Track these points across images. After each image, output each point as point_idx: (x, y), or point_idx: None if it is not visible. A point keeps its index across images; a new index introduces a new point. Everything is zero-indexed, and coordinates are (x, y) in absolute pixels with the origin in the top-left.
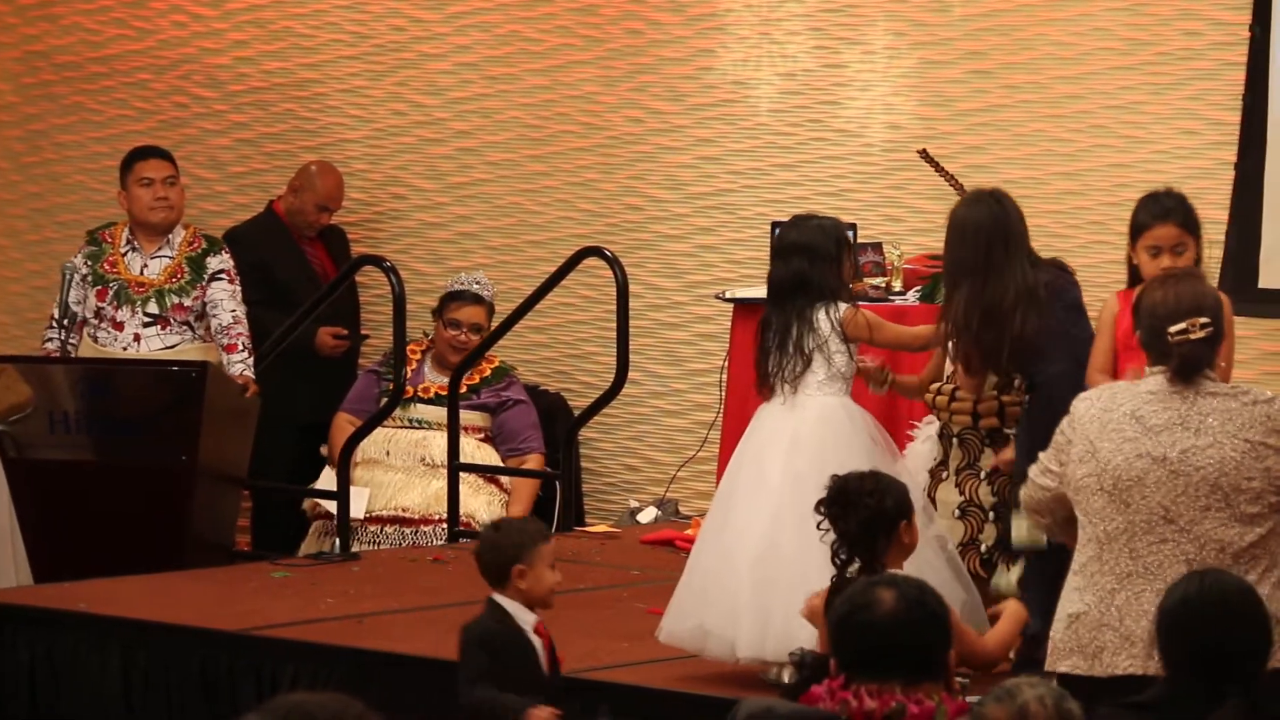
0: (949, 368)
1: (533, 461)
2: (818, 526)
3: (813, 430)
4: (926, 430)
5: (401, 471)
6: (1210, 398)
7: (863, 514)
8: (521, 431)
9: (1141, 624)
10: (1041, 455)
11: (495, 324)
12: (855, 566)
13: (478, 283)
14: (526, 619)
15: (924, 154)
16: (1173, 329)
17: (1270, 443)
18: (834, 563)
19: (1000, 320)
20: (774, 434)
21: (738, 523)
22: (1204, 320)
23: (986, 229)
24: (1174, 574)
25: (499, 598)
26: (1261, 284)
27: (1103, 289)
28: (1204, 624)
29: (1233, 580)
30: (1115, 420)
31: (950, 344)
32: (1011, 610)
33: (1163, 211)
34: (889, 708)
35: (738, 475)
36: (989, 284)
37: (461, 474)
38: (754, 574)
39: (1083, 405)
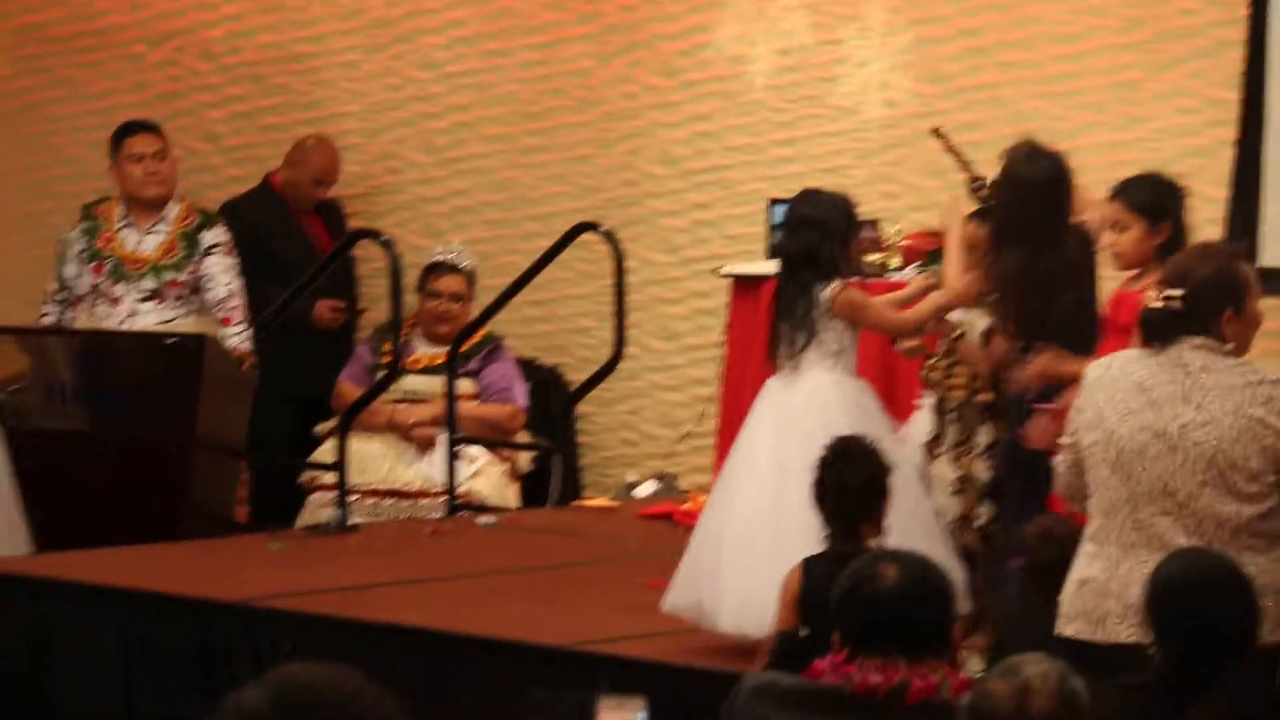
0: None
1: (513, 412)
2: (814, 484)
3: (800, 410)
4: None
5: (396, 446)
6: (1214, 373)
7: (862, 474)
8: (500, 382)
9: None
10: (1060, 441)
11: (491, 299)
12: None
13: (455, 252)
14: None
15: (936, 132)
16: (1150, 294)
17: (1270, 422)
18: (826, 528)
19: (1050, 291)
20: (768, 412)
21: (728, 499)
22: (1173, 292)
23: (1049, 190)
24: (1176, 546)
25: None
26: (1262, 262)
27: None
28: (1189, 604)
29: (1217, 558)
30: (1123, 390)
31: (987, 303)
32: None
33: (1110, 190)
34: (893, 682)
35: (735, 452)
36: (1043, 250)
37: (466, 455)
38: (736, 550)
39: (1095, 372)
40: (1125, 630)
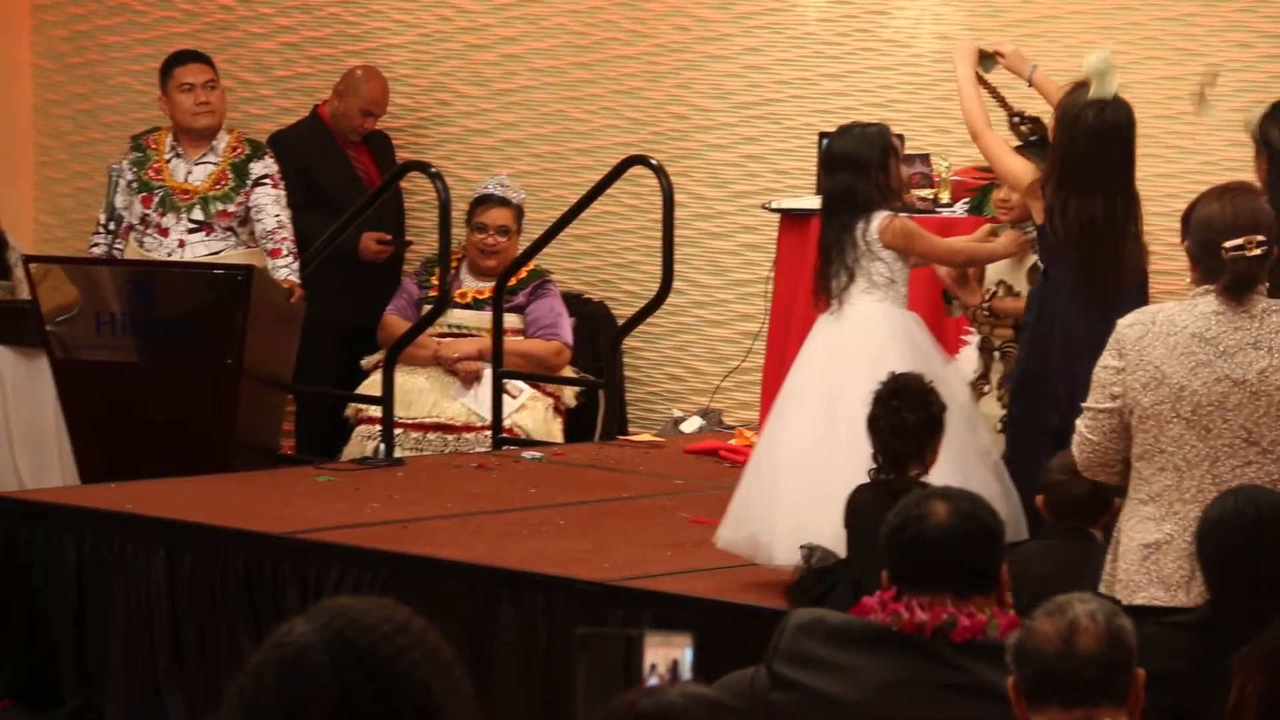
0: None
1: (558, 347)
2: (869, 421)
3: (850, 340)
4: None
5: (442, 380)
6: (1277, 314)
7: (920, 414)
8: (546, 318)
9: None
10: (1085, 405)
11: (539, 233)
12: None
13: (502, 185)
14: None
15: (979, 78)
16: (1228, 244)
17: None
18: (875, 460)
19: (1114, 239)
20: (818, 346)
21: (780, 433)
22: (1260, 238)
23: (1120, 138)
24: None
25: None
26: None
27: (1154, 203)
28: (1240, 541)
29: (1267, 495)
30: (1182, 343)
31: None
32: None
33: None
34: (940, 620)
35: (786, 385)
36: (1112, 199)
37: (513, 388)
38: (789, 483)
39: (1135, 330)
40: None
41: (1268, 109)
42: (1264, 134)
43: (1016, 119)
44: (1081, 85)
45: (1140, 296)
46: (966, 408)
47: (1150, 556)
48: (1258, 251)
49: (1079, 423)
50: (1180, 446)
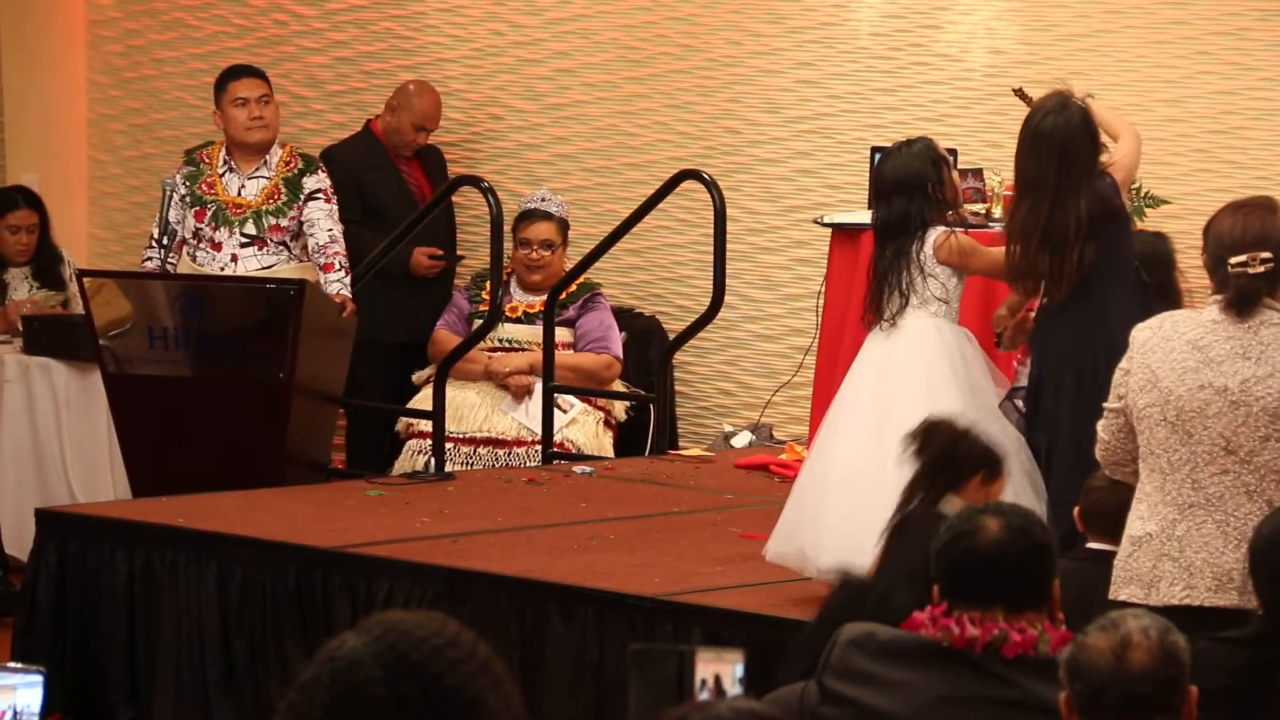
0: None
1: (608, 361)
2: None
3: (903, 355)
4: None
5: (492, 394)
6: (1273, 328)
7: (934, 454)
8: (596, 331)
9: (1201, 555)
10: (1104, 406)
11: (592, 247)
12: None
13: (545, 199)
14: None
15: (1019, 92)
16: (1233, 260)
17: None
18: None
19: (1059, 244)
20: (870, 361)
21: (831, 447)
22: (1265, 255)
23: (1061, 142)
24: (1235, 505)
25: None
26: None
27: (1204, 218)
28: None
29: None
30: (1177, 349)
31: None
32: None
33: None
34: (991, 635)
35: (838, 400)
36: (1056, 206)
37: (563, 402)
38: (838, 497)
39: (1144, 334)
40: (1180, 591)
41: None
42: None
43: None
44: (1047, 96)
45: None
46: (1008, 428)
47: (1133, 554)
48: (1261, 269)
49: (1099, 422)
50: (1166, 450)
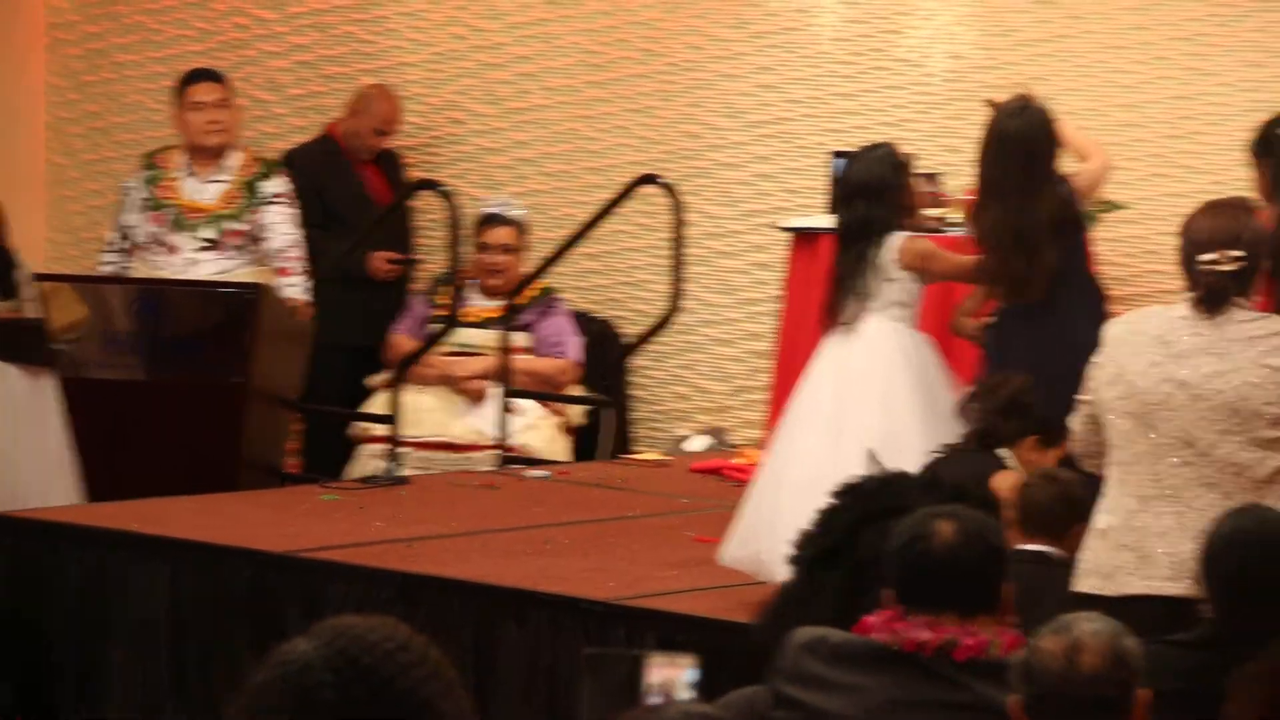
0: None
1: (566, 366)
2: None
3: (861, 358)
4: None
5: (449, 398)
6: (1238, 325)
7: (1003, 402)
8: (554, 336)
9: (1159, 547)
10: (1078, 398)
11: (550, 251)
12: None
13: (504, 204)
14: None
15: (992, 103)
16: (1203, 258)
17: None
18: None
19: (1032, 249)
20: (828, 365)
21: (788, 450)
22: (1236, 254)
23: (1025, 143)
24: (1194, 497)
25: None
26: None
27: (1161, 222)
28: (1245, 560)
29: (1272, 514)
30: (1144, 344)
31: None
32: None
33: None
34: (942, 639)
35: (795, 403)
36: (1023, 208)
37: (519, 407)
38: (795, 501)
39: (1116, 329)
40: (1138, 582)
41: (1266, 123)
42: (1266, 141)
43: None
44: (1009, 99)
45: (1094, 311)
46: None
47: (1094, 546)
48: (1231, 267)
49: (1072, 416)
50: (1128, 442)
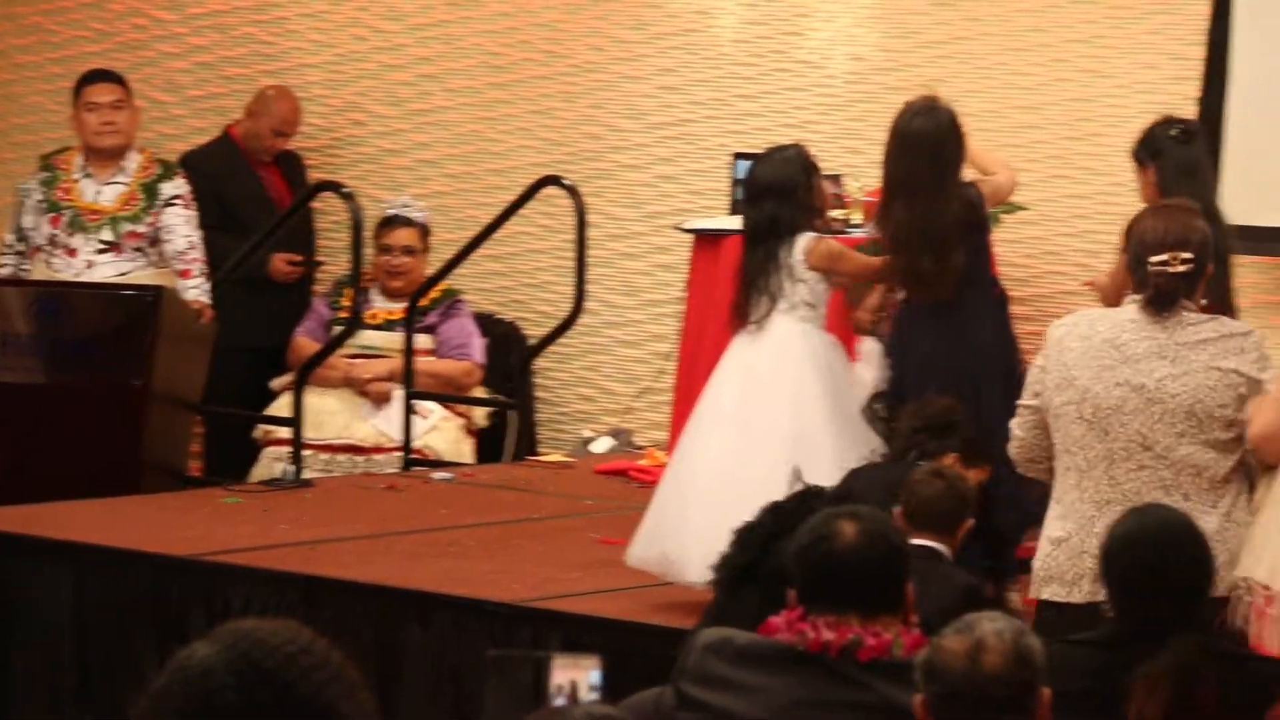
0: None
1: (469, 368)
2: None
3: (769, 359)
4: (868, 345)
5: (352, 401)
6: (1188, 328)
7: (928, 419)
8: (457, 338)
9: None
10: (1019, 403)
11: (452, 253)
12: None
13: (406, 205)
14: None
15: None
16: (1153, 259)
17: (1244, 371)
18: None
19: (940, 244)
20: (735, 365)
21: (694, 451)
22: (1186, 255)
23: (931, 142)
24: (1152, 499)
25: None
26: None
27: (1060, 224)
28: (1145, 559)
29: (1173, 513)
30: (1094, 348)
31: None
32: None
33: None
34: (846, 639)
35: (701, 404)
36: (931, 207)
37: (421, 411)
38: (701, 500)
39: (1059, 331)
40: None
41: (1148, 128)
42: (1150, 144)
43: None
44: (915, 99)
45: (996, 312)
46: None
47: (1052, 553)
48: (1181, 268)
49: (1013, 420)
50: (1082, 447)
